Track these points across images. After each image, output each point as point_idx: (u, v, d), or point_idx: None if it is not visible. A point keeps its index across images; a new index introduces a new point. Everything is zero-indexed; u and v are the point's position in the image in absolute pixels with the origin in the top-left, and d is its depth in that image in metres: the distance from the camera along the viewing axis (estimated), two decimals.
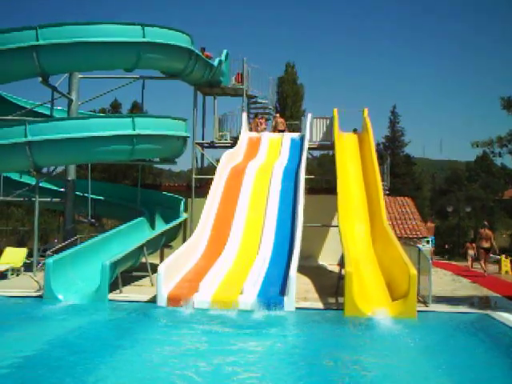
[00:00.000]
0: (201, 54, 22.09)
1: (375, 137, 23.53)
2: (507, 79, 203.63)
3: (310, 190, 22.06)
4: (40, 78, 18.82)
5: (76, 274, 15.48)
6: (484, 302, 15.39)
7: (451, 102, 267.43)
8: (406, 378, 8.45)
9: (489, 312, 13.38)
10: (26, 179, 23.30)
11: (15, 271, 18.38)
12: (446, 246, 45.19)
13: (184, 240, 20.95)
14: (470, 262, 24.78)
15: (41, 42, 17.54)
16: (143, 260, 17.38)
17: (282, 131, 25.56)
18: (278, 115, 27.28)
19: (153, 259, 18.89)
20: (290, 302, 13.48)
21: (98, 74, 23.86)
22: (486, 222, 23.52)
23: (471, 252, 24.58)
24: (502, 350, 10.66)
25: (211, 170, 25.69)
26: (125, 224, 19.37)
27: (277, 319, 12.72)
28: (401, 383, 8.02)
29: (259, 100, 27.34)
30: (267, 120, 26.77)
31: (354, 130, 25.64)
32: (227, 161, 21.62)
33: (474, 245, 23.97)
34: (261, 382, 8.13)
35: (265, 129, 25.84)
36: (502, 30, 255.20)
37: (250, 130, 25.70)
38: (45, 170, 20.42)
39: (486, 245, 21.80)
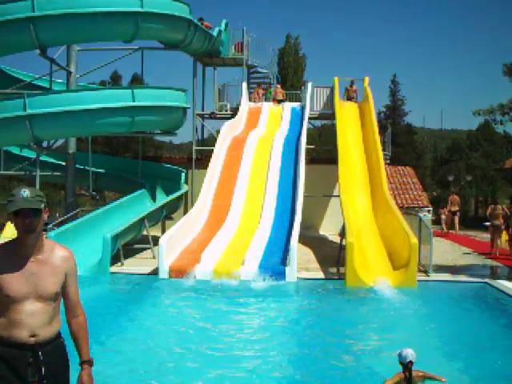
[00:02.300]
0: (199, 24, 21.87)
1: (376, 106, 23.43)
2: (508, 45, 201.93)
3: (310, 160, 22.03)
4: (38, 51, 18.63)
5: (78, 247, 15.48)
6: (484, 271, 15.47)
7: (452, 69, 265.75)
8: (406, 345, 8.50)
9: (489, 280, 13.46)
10: (26, 153, 23.25)
11: None
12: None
13: (185, 212, 20.97)
14: (444, 225, 27.35)
15: (37, 13, 17.27)
16: (145, 232, 17.43)
17: (282, 101, 25.34)
18: (278, 86, 27.08)
19: (154, 231, 18.93)
20: (292, 273, 13.55)
21: (97, 45, 23.61)
22: (453, 189, 30.19)
23: (444, 216, 27.57)
24: (501, 317, 10.74)
25: (212, 141, 25.62)
26: (126, 196, 19.38)
27: (278, 289, 12.80)
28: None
29: (259, 70, 27.16)
30: (268, 89, 26.56)
31: (352, 82, 25.56)
32: (228, 131, 21.54)
33: (445, 210, 27.45)
34: (263, 352, 8.20)
35: (264, 98, 25.65)
36: None
37: (251, 100, 25.52)
38: (45, 143, 20.35)
39: (453, 208, 26.13)
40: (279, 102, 25.20)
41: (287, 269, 13.58)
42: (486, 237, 24.20)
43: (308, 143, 21.45)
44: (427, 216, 26.95)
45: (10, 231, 18.69)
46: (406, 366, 5.63)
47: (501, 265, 16.47)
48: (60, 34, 18.14)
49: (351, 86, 25.51)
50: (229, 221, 17.40)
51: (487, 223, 19.50)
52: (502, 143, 54.31)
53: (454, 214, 26.40)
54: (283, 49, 49.23)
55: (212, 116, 26.17)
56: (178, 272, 13.78)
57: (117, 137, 35.59)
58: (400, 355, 5.69)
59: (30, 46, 18.24)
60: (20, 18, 17.25)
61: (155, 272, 14.13)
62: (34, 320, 3.48)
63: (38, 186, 19.32)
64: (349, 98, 25.40)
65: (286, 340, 8.99)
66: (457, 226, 26.46)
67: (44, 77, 22.81)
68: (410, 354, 5.64)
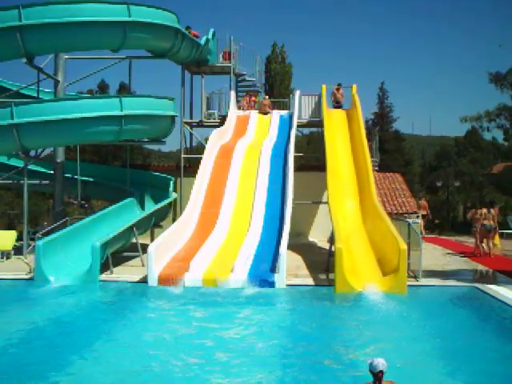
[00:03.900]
0: (187, 32, 21.88)
1: (364, 113, 23.53)
2: (496, 52, 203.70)
3: (299, 168, 22.05)
4: (24, 59, 18.56)
5: (67, 256, 15.45)
6: (473, 276, 15.54)
7: (440, 77, 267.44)
8: (396, 350, 8.52)
9: (478, 285, 13.51)
10: (14, 162, 23.12)
11: (5, 254, 18.34)
12: (436, 221, 45.34)
13: (174, 220, 20.92)
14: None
15: (24, 22, 17.22)
16: (134, 240, 17.38)
17: (267, 113, 25.26)
18: (266, 97, 27.11)
19: (143, 239, 18.87)
20: (281, 279, 13.55)
21: (84, 54, 23.59)
22: (421, 195, 32.35)
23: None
24: (490, 322, 10.78)
25: (200, 149, 25.60)
26: (114, 205, 19.33)
27: (268, 296, 12.79)
28: (390, 357, 8.08)
29: (247, 78, 27.21)
30: (257, 96, 26.64)
31: (339, 85, 25.55)
32: (216, 139, 21.55)
33: None
34: (252, 359, 8.18)
35: (253, 107, 25.70)
36: (489, 4, 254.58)
37: (239, 108, 25.59)
38: (33, 152, 20.26)
39: (423, 212, 27.90)
40: (266, 114, 25.18)
41: (276, 276, 13.58)
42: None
43: (296, 151, 21.48)
44: (416, 221, 27.12)
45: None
46: (377, 375, 5.59)
47: (489, 269, 16.54)
48: (47, 42, 18.08)
49: (338, 90, 25.44)
50: (218, 228, 17.39)
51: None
52: (489, 149, 54.71)
53: (423, 217, 27.88)
54: (269, 57, 49.34)
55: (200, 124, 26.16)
56: (167, 280, 13.75)
57: (105, 145, 35.52)
58: (371, 364, 5.63)
59: (17, 54, 18.18)
60: (7, 27, 17.18)
61: (144, 280, 14.10)
62: None
63: (25, 195, 19.25)
64: (336, 102, 25.36)
65: (275, 347, 8.97)
66: (422, 229, 27.66)
67: (31, 86, 22.76)
68: (381, 363, 5.58)
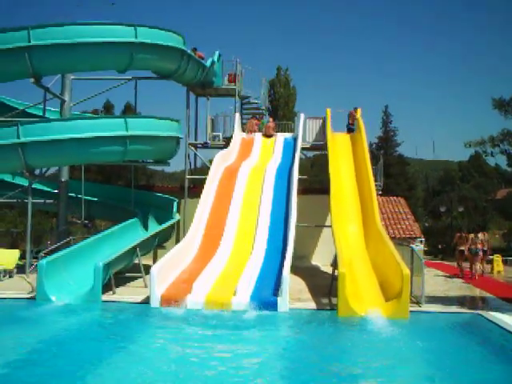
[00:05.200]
0: (193, 54, 22.05)
1: (368, 137, 23.54)
2: (500, 78, 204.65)
3: (303, 190, 22.07)
4: (32, 79, 18.70)
5: (69, 275, 15.42)
6: (476, 303, 15.45)
7: (444, 101, 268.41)
8: (398, 378, 8.47)
9: (481, 312, 13.42)
10: (18, 180, 23.22)
11: (8, 273, 18.32)
12: (440, 246, 45.20)
13: (177, 241, 20.92)
14: None
15: (33, 42, 17.43)
16: (136, 261, 17.35)
17: (271, 136, 25.27)
18: (271, 119, 27.14)
19: (146, 260, 18.86)
20: (284, 303, 13.49)
21: (91, 74, 23.77)
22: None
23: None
24: (493, 349, 10.69)
25: (204, 170, 25.66)
26: (118, 225, 19.33)
27: (270, 320, 12.72)
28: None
29: (251, 100, 27.34)
30: (261, 120, 26.73)
31: (355, 109, 25.44)
32: (220, 161, 21.60)
33: None
34: (254, 383, 8.13)
35: (257, 130, 25.73)
36: (495, 29, 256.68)
37: (243, 130, 25.60)
38: (38, 171, 20.34)
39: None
40: (268, 137, 25.20)
41: (279, 299, 13.53)
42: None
43: (300, 173, 21.52)
44: (419, 247, 26.92)
45: (1, 258, 18.52)
46: None
47: (492, 296, 16.45)
48: (55, 63, 18.28)
49: (356, 112, 25.14)
50: (221, 250, 17.36)
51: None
52: (493, 174, 54.72)
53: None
54: (274, 80, 49.76)
55: (204, 145, 26.20)
56: (170, 301, 13.70)
57: (109, 165, 35.61)
58: None
59: (25, 74, 18.34)
60: (16, 48, 17.39)
61: (147, 301, 14.05)
62: None
63: (29, 214, 19.27)
64: (350, 124, 25.12)
65: (276, 372, 8.91)
66: None
67: (38, 105, 22.89)
68: None
